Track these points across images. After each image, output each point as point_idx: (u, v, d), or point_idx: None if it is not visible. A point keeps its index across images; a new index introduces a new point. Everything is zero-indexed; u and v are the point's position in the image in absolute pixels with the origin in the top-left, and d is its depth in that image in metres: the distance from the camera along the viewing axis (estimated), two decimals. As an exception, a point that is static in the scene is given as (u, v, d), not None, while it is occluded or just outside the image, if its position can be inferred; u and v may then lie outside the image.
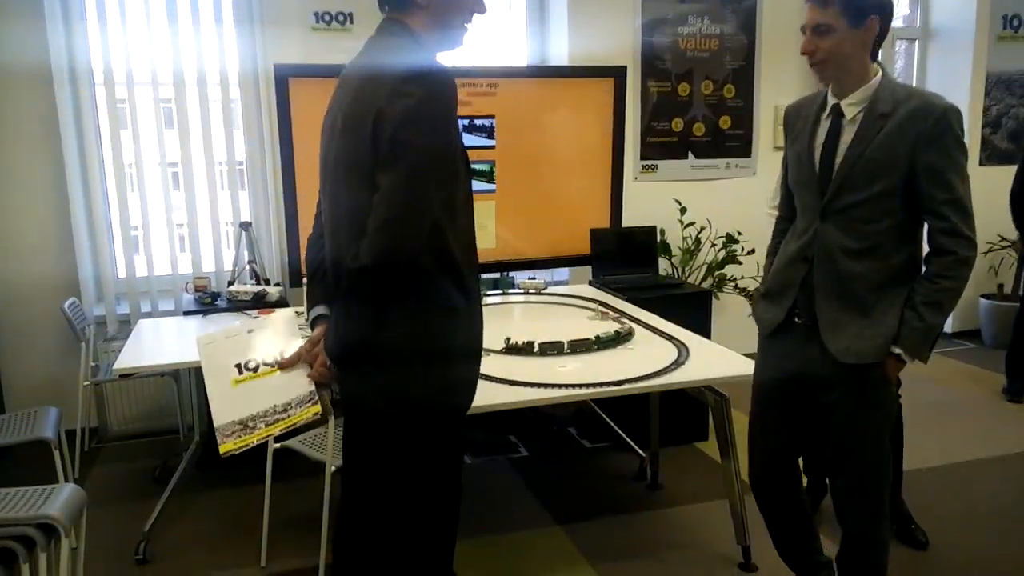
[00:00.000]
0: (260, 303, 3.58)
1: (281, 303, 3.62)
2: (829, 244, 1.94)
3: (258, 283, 3.83)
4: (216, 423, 1.65)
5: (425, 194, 1.56)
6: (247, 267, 3.89)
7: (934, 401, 4.31)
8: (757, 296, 2.20)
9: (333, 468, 2.55)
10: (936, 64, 5.45)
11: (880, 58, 1.94)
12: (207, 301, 3.62)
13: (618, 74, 4.07)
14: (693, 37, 4.64)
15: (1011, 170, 5.30)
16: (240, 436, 1.63)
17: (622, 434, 3.64)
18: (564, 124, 4.04)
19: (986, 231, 5.36)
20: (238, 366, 1.73)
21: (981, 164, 5.32)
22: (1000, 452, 3.57)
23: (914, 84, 5.54)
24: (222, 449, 1.63)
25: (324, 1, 3.97)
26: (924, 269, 1.92)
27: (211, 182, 3.98)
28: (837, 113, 1.94)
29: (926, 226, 1.93)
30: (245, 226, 3.92)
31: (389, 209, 1.54)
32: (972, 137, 5.28)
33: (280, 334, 1.82)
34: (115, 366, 2.78)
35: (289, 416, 1.65)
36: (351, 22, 4.00)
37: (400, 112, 1.53)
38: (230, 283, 3.81)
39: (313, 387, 1.69)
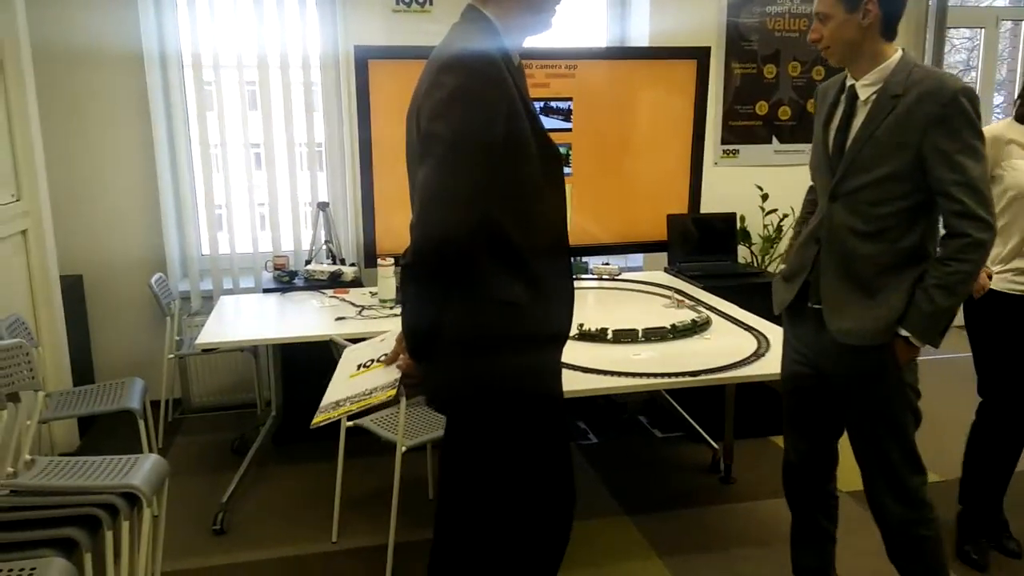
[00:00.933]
0: (336, 282, 3.64)
1: (356, 283, 3.67)
2: (838, 225, 1.91)
3: (334, 263, 3.88)
4: (321, 403, 1.79)
5: (459, 183, 1.50)
6: (324, 247, 3.95)
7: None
8: (777, 276, 2.15)
9: (404, 448, 2.57)
10: (1045, 45, 5.12)
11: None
12: (285, 279, 3.70)
13: (701, 55, 3.95)
14: (782, 17, 4.46)
15: None
16: (328, 412, 1.73)
17: (695, 425, 3.56)
18: (643, 107, 3.95)
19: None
20: (359, 365, 1.87)
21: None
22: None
23: (1019, 67, 5.22)
24: (312, 423, 1.74)
25: (404, -18, 3.98)
26: (939, 251, 1.86)
27: (291, 163, 4.05)
28: (852, 95, 1.91)
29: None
30: (323, 206, 3.98)
31: (422, 203, 1.53)
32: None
33: None
34: (197, 341, 2.86)
35: (370, 397, 1.70)
36: (431, 4, 4.00)
37: (431, 105, 1.53)
38: (307, 262, 3.88)
39: (399, 374, 1.72)
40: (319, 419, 1.73)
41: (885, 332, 1.86)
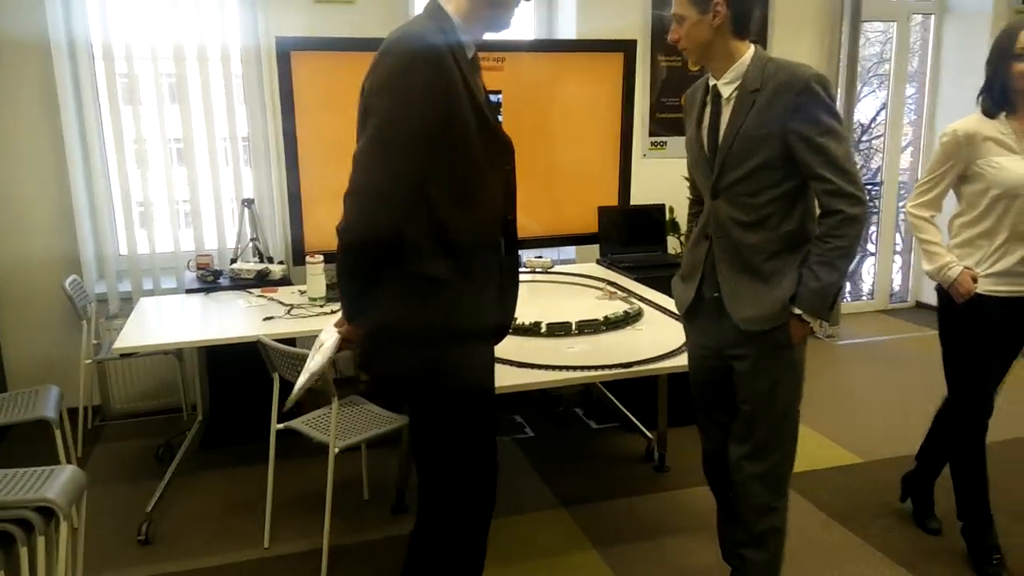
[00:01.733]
0: (263, 281, 3.54)
1: (284, 281, 3.58)
2: (723, 219, 1.99)
3: (261, 261, 3.78)
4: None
5: (393, 163, 1.58)
6: (250, 244, 3.84)
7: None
8: (674, 279, 2.23)
9: (337, 449, 2.51)
10: (952, 39, 5.34)
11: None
12: (209, 279, 3.58)
13: (628, 48, 3.98)
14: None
15: None
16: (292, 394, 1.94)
17: (629, 415, 3.60)
18: (572, 100, 3.96)
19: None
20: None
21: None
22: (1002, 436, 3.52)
23: (928, 59, 5.43)
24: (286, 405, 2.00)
25: (327, -28, 3.88)
26: (817, 231, 1.95)
27: (214, 158, 3.91)
28: (715, 94, 1.98)
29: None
30: (248, 203, 3.86)
31: (355, 177, 1.61)
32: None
33: None
34: (115, 345, 2.74)
35: (313, 362, 1.86)
36: (354, -6, 3.91)
37: (371, 82, 1.60)
38: (232, 261, 3.76)
39: (337, 337, 1.82)
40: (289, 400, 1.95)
41: (782, 313, 1.95)
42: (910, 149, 5.73)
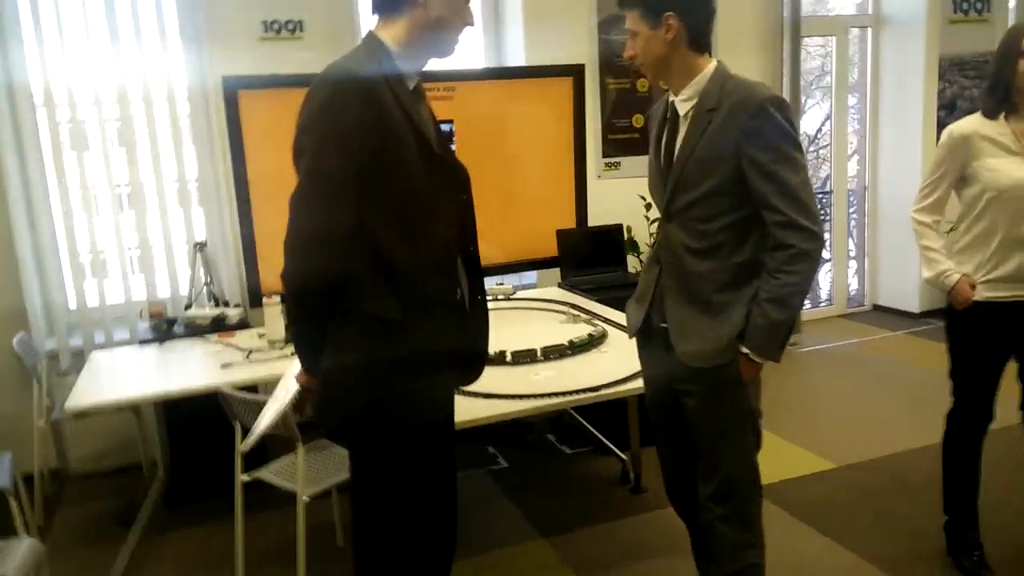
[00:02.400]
0: (220, 326, 3.45)
1: (242, 325, 3.49)
2: (674, 244, 1.90)
3: (216, 305, 3.69)
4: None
5: (327, 204, 1.52)
6: (204, 289, 3.75)
7: (912, 380, 4.34)
8: (630, 300, 2.13)
9: (306, 497, 2.44)
10: (889, 50, 5.49)
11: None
12: (164, 328, 3.47)
13: (576, 73, 4.01)
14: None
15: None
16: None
17: (602, 438, 3.57)
18: (524, 126, 3.96)
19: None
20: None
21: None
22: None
23: (868, 71, 5.57)
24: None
25: (273, 9, 3.84)
26: (767, 266, 1.83)
27: (163, 202, 3.82)
28: (673, 112, 1.91)
29: None
30: (200, 247, 3.77)
31: (291, 223, 1.56)
32: (927, 120, 5.32)
33: None
34: (68, 404, 2.63)
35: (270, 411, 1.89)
36: (301, 30, 3.88)
37: (300, 120, 1.56)
38: (187, 307, 3.66)
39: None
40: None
41: (726, 351, 1.84)
42: (856, 157, 5.86)
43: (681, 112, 1.88)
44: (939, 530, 2.67)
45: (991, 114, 2.34)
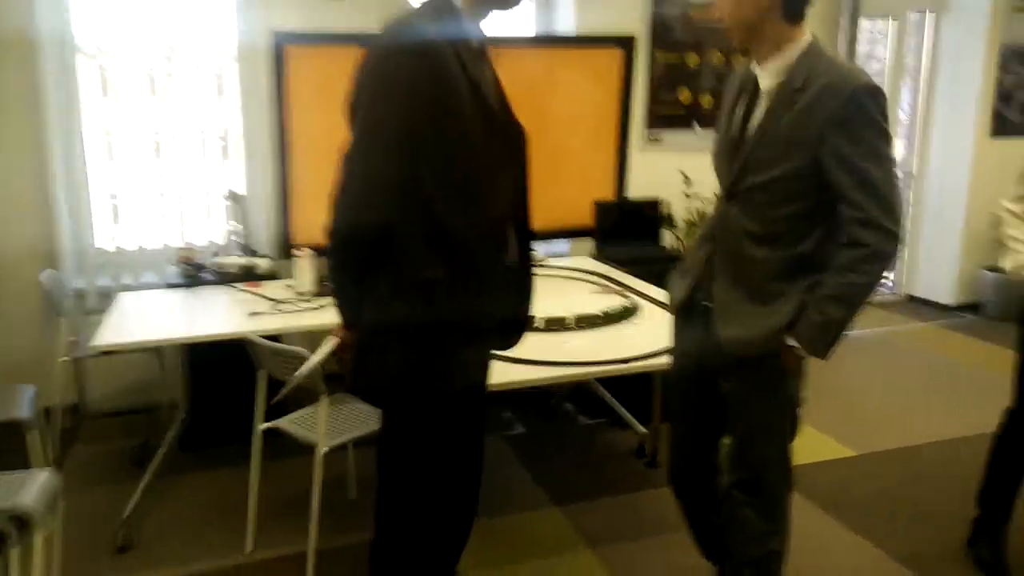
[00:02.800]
0: (249, 276, 3.42)
1: (271, 276, 3.46)
2: (732, 225, 1.79)
3: (246, 255, 3.66)
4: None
5: (378, 162, 1.49)
6: (235, 238, 3.72)
7: (941, 372, 4.25)
8: (674, 273, 2.03)
9: (325, 448, 2.41)
10: (950, 36, 5.29)
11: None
12: (192, 274, 3.45)
13: (626, 44, 3.90)
14: (703, 7, 4.44)
15: (1018, 142, 5.20)
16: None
17: (623, 411, 3.51)
18: (569, 94, 3.88)
19: (993, 203, 5.22)
20: None
21: (992, 136, 5.18)
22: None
23: (924, 55, 5.37)
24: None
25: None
26: (835, 260, 1.71)
27: (203, 152, 3.79)
28: (755, 84, 1.78)
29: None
30: (235, 196, 3.74)
31: (342, 178, 1.53)
32: (982, 109, 5.14)
33: None
34: (94, 343, 2.62)
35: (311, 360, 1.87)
36: (353, -11, 3.79)
37: (359, 77, 1.53)
38: (215, 255, 3.64)
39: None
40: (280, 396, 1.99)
41: (770, 341, 1.75)
42: (904, 143, 5.66)
43: (764, 87, 1.75)
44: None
45: None
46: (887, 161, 1.65)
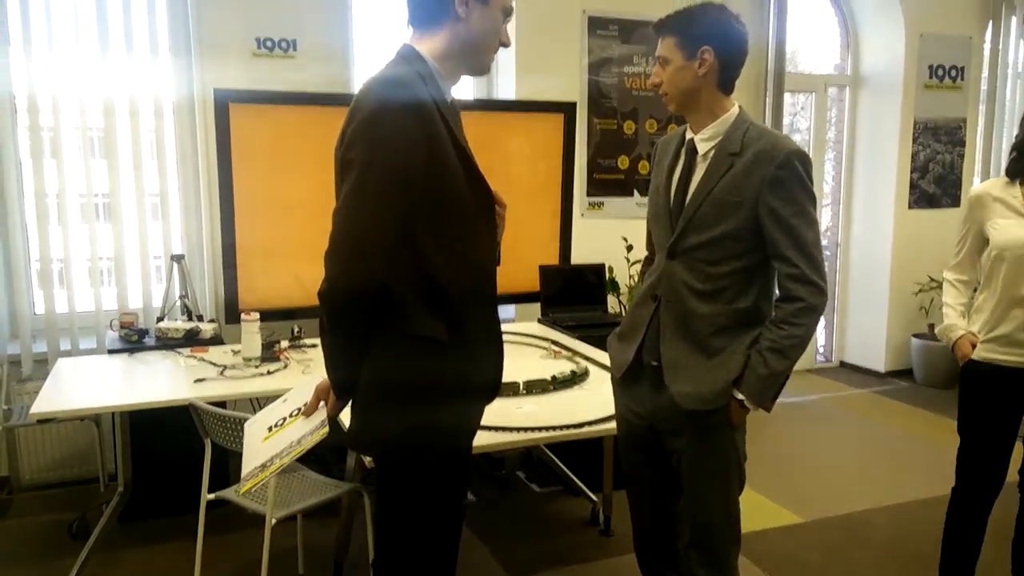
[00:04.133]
0: (192, 340, 3.37)
1: (215, 340, 3.41)
2: (676, 283, 1.88)
3: (190, 319, 3.61)
4: (241, 475, 1.73)
5: (372, 213, 1.48)
6: (178, 302, 3.67)
7: (878, 439, 4.39)
8: (611, 338, 2.10)
9: (274, 520, 2.37)
10: (866, 110, 5.65)
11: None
12: (134, 339, 3.38)
13: (567, 109, 4.05)
14: (638, 77, 4.67)
15: (937, 213, 5.54)
16: (257, 475, 1.67)
17: (574, 478, 3.54)
18: (513, 159, 3.99)
19: (915, 272, 5.56)
20: (271, 427, 1.81)
21: (910, 207, 5.50)
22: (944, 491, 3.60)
23: (845, 128, 5.72)
24: (241, 489, 1.72)
25: (267, 27, 3.84)
26: (773, 315, 1.85)
27: (141, 213, 3.75)
28: (691, 148, 1.90)
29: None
30: (177, 258, 3.70)
31: (335, 232, 1.50)
32: (900, 180, 5.46)
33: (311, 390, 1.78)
34: (32, 410, 2.53)
35: (301, 445, 1.66)
36: (294, 49, 3.87)
37: (350, 132, 1.51)
38: (159, 319, 3.58)
39: (325, 416, 1.69)
40: (249, 484, 1.68)
41: (722, 395, 1.84)
42: (829, 213, 5.95)
43: (701, 151, 1.87)
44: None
45: (1012, 177, 2.39)
46: (815, 222, 1.81)
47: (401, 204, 1.49)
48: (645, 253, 2.19)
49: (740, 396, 1.83)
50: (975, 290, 2.52)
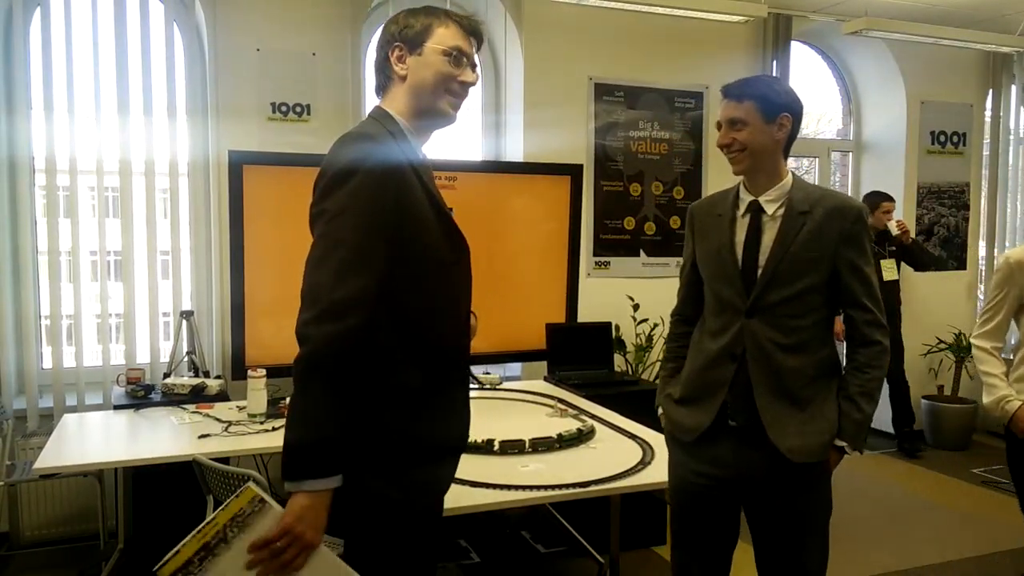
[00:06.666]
0: (198, 396, 3.37)
1: (221, 396, 3.42)
2: (761, 340, 1.92)
3: (197, 375, 3.62)
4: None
5: (349, 269, 1.45)
6: (186, 358, 3.68)
7: (899, 501, 4.30)
8: (667, 402, 2.10)
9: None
10: (869, 174, 5.71)
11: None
12: (140, 394, 3.38)
13: (575, 172, 4.12)
14: (644, 141, 4.76)
15: (944, 276, 5.54)
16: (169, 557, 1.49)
17: (580, 538, 3.47)
18: (520, 220, 4.04)
19: (925, 334, 5.53)
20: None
21: (917, 270, 5.51)
22: (957, 555, 3.52)
23: (849, 192, 5.77)
24: (160, 571, 1.49)
25: (282, 93, 3.95)
26: (850, 360, 1.96)
27: (152, 270, 3.81)
28: (756, 209, 1.97)
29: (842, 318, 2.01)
30: (187, 315, 3.73)
31: (307, 281, 1.47)
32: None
33: None
34: (36, 465, 2.53)
35: (216, 512, 1.50)
36: (308, 113, 3.98)
37: (323, 185, 1.51)
38: (166, 375, 3.59)
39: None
40: (167, 565, 1.49)
41: (828, 445, 1.91)
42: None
43: (769, 211, 1.96)
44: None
45: None
46: (874, 271, 1.96)
47: (375, 258, 1.48)
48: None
49: (840, 443, 1.91)
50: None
